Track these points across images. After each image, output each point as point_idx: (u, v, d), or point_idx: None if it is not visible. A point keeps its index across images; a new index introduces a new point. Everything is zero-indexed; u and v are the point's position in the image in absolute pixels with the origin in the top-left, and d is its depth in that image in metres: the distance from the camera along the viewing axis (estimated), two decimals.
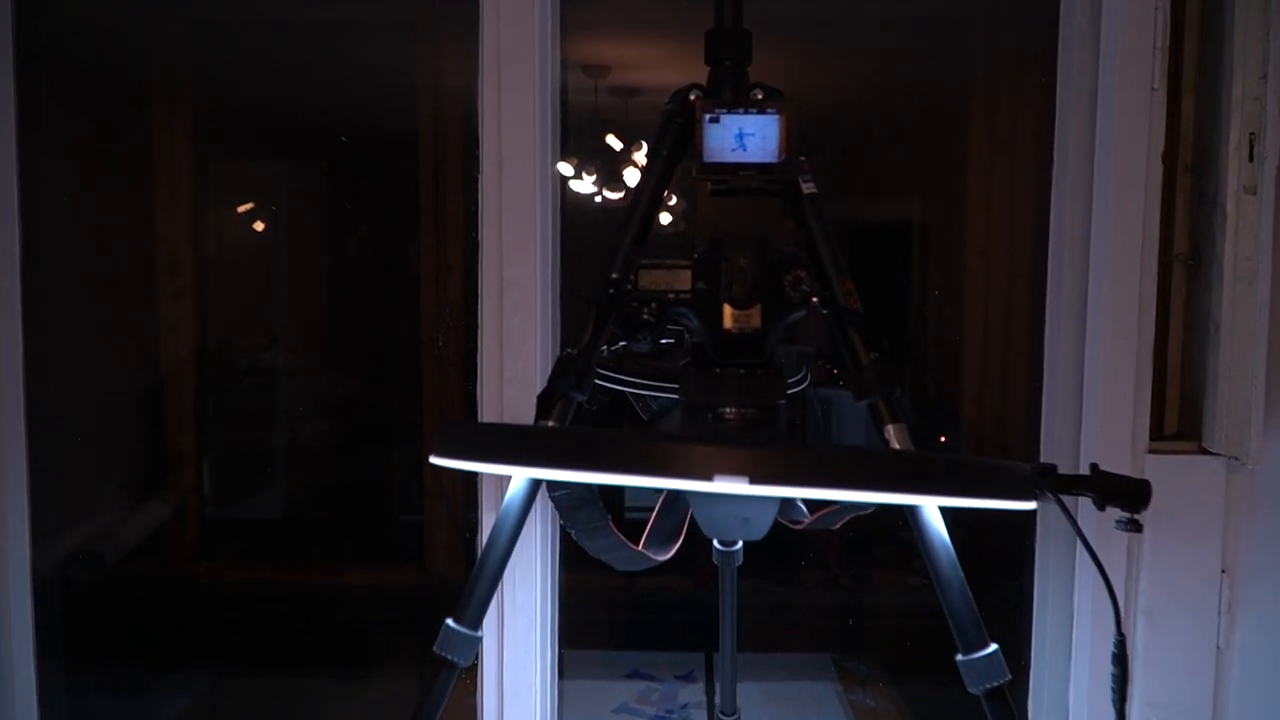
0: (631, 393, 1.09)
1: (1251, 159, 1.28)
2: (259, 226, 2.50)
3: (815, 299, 0.79)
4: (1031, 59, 1.93)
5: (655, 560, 0.97)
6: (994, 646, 0.79)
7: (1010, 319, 1.97)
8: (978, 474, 0.75)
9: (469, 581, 0.83)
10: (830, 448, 0.71)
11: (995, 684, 0.78)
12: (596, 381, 0.99)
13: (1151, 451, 1.35)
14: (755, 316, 0.78)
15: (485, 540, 0.84)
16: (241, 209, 2.45)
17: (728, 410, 0.79)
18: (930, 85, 2.16)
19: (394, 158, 2.09)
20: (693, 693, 1.99)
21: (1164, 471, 1.35)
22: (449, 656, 0.82)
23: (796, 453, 0.70)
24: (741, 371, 0.79)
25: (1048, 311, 1.43)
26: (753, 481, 0.69)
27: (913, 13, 2.05)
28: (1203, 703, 1.37)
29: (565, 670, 1.65)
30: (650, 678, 2.04)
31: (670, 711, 1.95)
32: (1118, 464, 1.34)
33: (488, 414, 1.35)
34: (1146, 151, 1.34)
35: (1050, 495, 0.86)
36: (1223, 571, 1.36)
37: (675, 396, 1.27)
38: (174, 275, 1.98)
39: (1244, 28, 1.29)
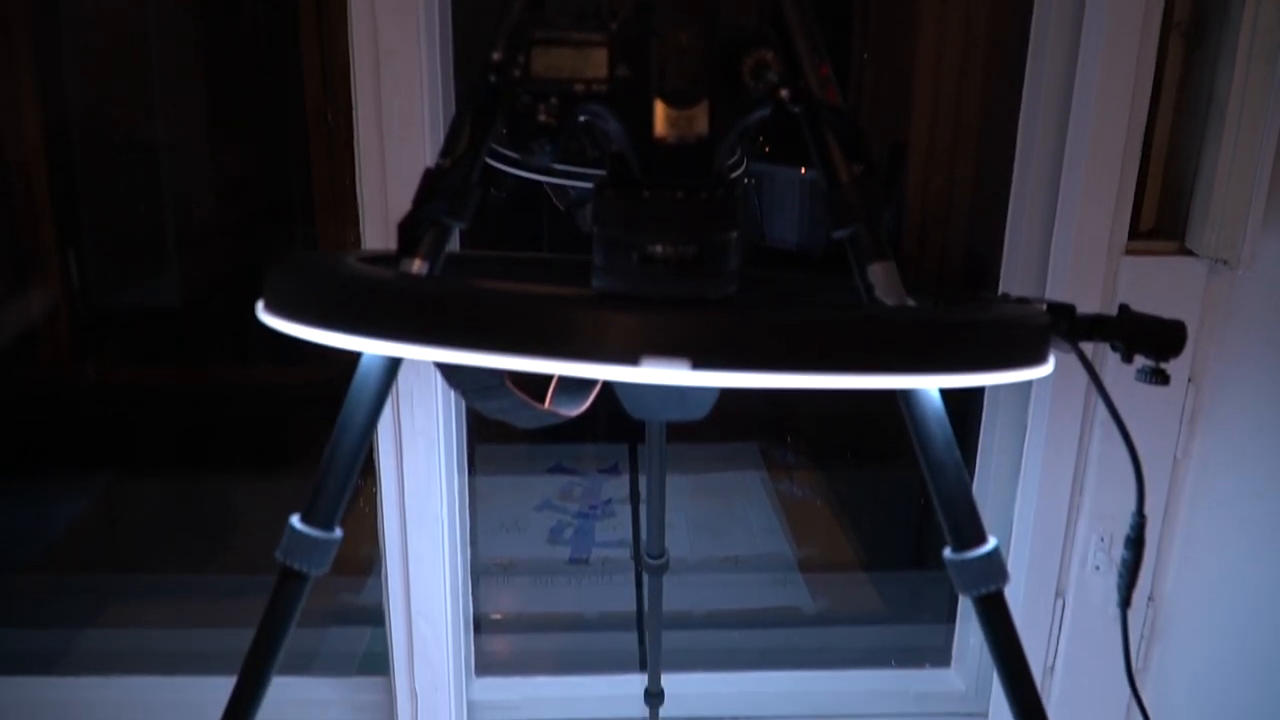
0: (545, 181, 0.83)
1: None
2: None
3: (784, 92, 0.53)
4: None
5: (566, 416, 0.75)
6: (993, 543, 0.60)
7: (963, 95, 1.71)
8: (993, 338, 0.53)
9: (319, 470, 0.61)
10: (802, 314, 0.47)
11: (992, 589, 0.60)
12: (500, 168, 0.74)
13: (1129, 252, 1.15)
14: (700, 118, 0.52)
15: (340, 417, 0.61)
16: None
17: (658, 248, 0.54)
18: None
19: None
20: (616, 487, 1.84)
21: (1140, 274, 1.15)
22: (296, 566, 0.60)
23: (756, 321, 0.46)
24: (679, 194, 0.54)
25: (1026, 85, 1.17)
26: (696, 366, 0.46)
27: None
28: (1153, 512, 1.24)
29: (481, 466, 1.48)
30: (573, 471, 1.88)
31: (594, 507, 1.80)
32: (1092, 265, 1.14)
33: (370, 217, 1.08)
34: None
35: (1068, 344, 0.65)
36: (1189, 380, 1.19)
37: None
38: (4, 40, 1.59)
39: None
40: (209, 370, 1.95)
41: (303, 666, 1.40)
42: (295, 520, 0.60)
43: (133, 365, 1.94)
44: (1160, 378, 0.65)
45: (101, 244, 1.91)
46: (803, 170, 0.83)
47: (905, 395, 0.58)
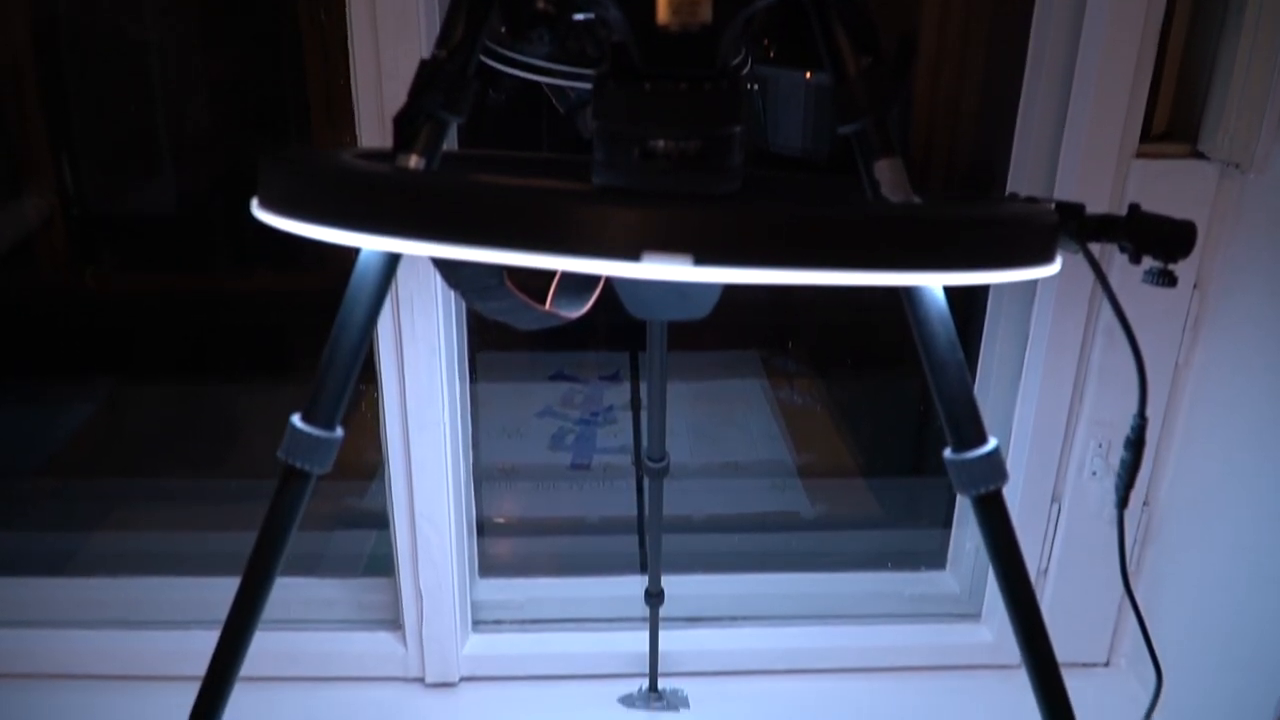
0: (545, 82, 0.81)
1: None
2: None
3: None
4: None
5: (567, 318, 0.74)
6: (993, 443, 0.60)
7: None
8: (1000, 236, 0.52)
9: (319, 369, 0.60)
10: (806, 209, 0.46)
11: (991, 488, 0.60)
12: (497, 67, 0.72)
13: (1140, 155, 1.13)
14: (703, 4, 0.50)
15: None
16: None
17: (660, 142, 0.53)
18: None
19: None
20: (618, 394, 1.85)
21: (1150, 178, 1.13)
22: (298, 464, 0.60)
23: (759, 216, 0.46)
24: (681, 86, 0.52)
25: None
26: (698, 261, 0.45)
27: None
28: (1152, 418, 1.24)
29: (482, 373, 1.48)
30: (574, 379, 1.89)
31: (595, 414, 1.81)
32: (1101, 169, 1.12)
33: (365, 117, 1.06)
34: None
35: (1076, 244, 0.64)
36: (1195, 286, 1.18)
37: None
38: None
39: None
40: (208, 276, 1.93)
41: (309, 567, 1.43)
42: (296, 419, 0.60)
43: (131, 271, 1.93)
44: (1168, 279, 0.65)
45: (95, 149, 1.88)
46: (808, 74, 0.81)
47: (909, 294, 0.57)
